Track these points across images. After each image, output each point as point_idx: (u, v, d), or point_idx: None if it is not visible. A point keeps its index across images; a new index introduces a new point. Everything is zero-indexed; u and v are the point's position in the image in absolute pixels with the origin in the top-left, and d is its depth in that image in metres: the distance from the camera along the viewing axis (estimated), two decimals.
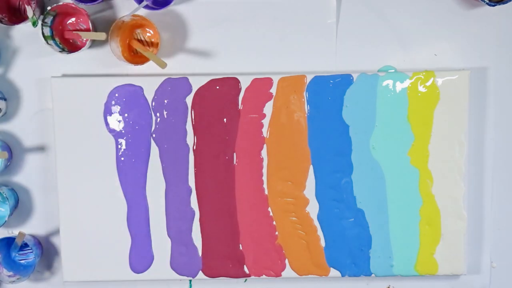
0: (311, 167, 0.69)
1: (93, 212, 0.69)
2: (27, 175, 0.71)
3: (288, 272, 0.70)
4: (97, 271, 0.70)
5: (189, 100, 0.68)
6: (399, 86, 0.68)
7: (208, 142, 0.69)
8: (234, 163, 0.69)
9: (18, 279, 0.68)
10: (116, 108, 0.68)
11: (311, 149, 0.68)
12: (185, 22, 0.69)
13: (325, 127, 0.68)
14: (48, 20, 0.65)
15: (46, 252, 0.72)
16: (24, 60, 0.70)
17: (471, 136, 0.69)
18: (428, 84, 0.67)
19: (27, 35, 0.69)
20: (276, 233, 0.69)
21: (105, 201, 0.69)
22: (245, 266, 0.70)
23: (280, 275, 0.70)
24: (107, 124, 0.69)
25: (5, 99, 0.70)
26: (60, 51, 0.66)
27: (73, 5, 0.65)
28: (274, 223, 0.69)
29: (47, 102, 0.70)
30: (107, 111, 0.68)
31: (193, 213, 0.69)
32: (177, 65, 0.69)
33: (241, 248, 0.70)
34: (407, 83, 0.68)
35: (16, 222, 0.71)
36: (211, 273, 0.70)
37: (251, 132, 0.69)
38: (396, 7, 0.68)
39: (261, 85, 0.68)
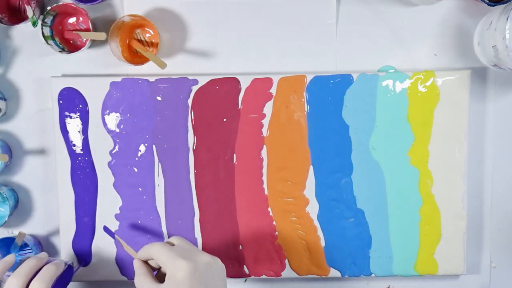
0: (311, 167, 0.69)
1: (93, 213, 0.69)
2: (27, 175, 0.71)
3: (288, 272, 0.70)
4: (97, 271, 0.70)
5: (189, 100, 0.68)
6: (399, 86, 0.68)
7: (208, 142, 0.69)
8: (234, 163, 0.69)
9: None
10: (115, 108, 0.68)
11: (311, 149, 0.68)
12: (185, 22, 0.69)
13: (325, 127, 0.68)
14: (48, 20, 0.65)
15: (46, 252, 0.72)
16: (24, 60, 0.70)
17: (471, 136, 0.69)
18: (428, 84, 0.67)
19: (27, 35, 0.69)
20: (276, 233, 0.69)
21: (105, 201, 0.69)
22: (245, 266, 0.70)
23: (280, 275, 0.70)
24: (106, 124, 0.69)
25: (5, 99, 0.70)
26: (60, 51, 0.66)
27: (73, 5, 0.65)
28: (274, 223, 0.69)
29: (47, 102, 0.70)
30: (107, 111, 0.69)
31: (193, 213, 0.69)
32: (177, 65, 0.69)
33: (241, 248, 0.70)
34: (407, 83, 0.68)
35: (16, 222, 0.71)
36: None
37: (251, 132, 0.69)
38: (396, 7, 0.68)
39: (261, 85, 0.68)
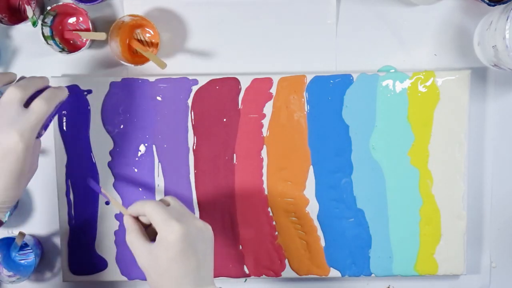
0: (311, 167, 0.69)
1: (93, 212, 0.69)
2: None
3: (288, 272, 0.70)
4: (97, 272, 0.70)
5: (189, 100, 0.68)
6: (399, 86, 0.68)
7: (208, 142, 0.69)
8: (234, 163, 0.69)
9: (18, 279, 0.68)
10: (115, 108, 0.68)
11: (311, 149, 0.68)
12: (185, 22, 0.69)
13: (325, 127, 0.68)
14: (48, 20, 0.65)
15: (46, 252, 0.72)
16: (24, 60, 0.70)
17: (471, 136, 0.69)
18: (428, 84, 0.67)
19: (27, 35, 0.69)
20: (276, 233, 0.69)
21: (105, 201, 0.69)
22: (245, 266, 0.70)
23: (280, 275, 0.70)
24: (106, 124, 0.69)
25: None
26: (60, 51, 0.66)
27: (73, 5, 0.65)
28: (274, 223, 0.69)
29: None
30: (107, 111, 0.68)
31: (193, 213, 0.69)
32: (177, 65, 0.69)
33: (241, 248, 0.70)
34: (407, 83, 0.68)
35: (16, 222, 0.71)
36: None
37: (251, 132, 0.69)
38: (396, 7, 0.68)
39: (261, 85, 0.68)
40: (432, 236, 0.69)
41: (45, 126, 0.59)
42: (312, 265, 0.69)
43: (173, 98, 0.68)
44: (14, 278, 0.68)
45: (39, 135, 0.58)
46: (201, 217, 0.69)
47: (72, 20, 0.69)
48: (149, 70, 0.68)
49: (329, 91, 0.68)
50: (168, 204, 0.57)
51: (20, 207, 0.71)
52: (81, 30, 0.69)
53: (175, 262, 0.53)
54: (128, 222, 0.57)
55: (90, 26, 0.66)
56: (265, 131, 0.69)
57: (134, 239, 0.56)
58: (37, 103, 0.56)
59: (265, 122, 0.68)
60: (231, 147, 0.69)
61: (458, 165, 0.68)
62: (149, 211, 0.55)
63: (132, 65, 0.66)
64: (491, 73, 0.69)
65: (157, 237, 0.54)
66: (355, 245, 0.69)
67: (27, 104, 0.56)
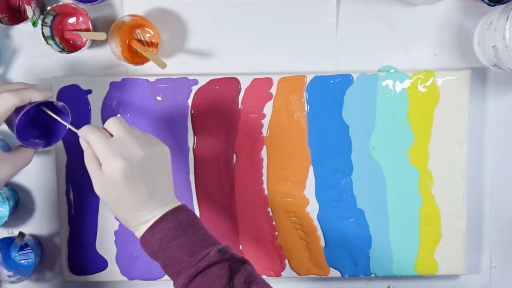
0: (311, 167, 0.69)
1: (94, 212, 0.69)
2: (27, 175, 0.71)
3: (288, 272, 0.70)
4: (97, 272, 0.70)
5: (189, 100, 0.68)
6: (399, 86, 0.68)
7: (208, 142, 0.69)
8: (234, 163, 0.69)
9: (18, 279, 0.68)
10: (116, 108, 0.68)
11: (311, 149, 0.68)
12: (185, 22, 0.69)
13: (325, 127, 0.68)
14: (48, 20, 0.65)
15: (46, 252, 0.72)
16: (24, 60, 0.70)
17: (471, 136, 0.69)
18: (428, 84, 0.67)
19: (27, 35, 0.69)
20: (276, 233, 0.69)
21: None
22: None
23: (280, 275, 0.70)
24: None
25: None
26: (60, 51, 0.66)
27: (73, 5, 0.65)
28: (274, 223, 0.69)
29: None
30: (107, 111, 0.68)
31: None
32: (177, 65, 0.69)
33: (241, 248, 0.70)
34: (407, 83, 0.68)
35: (16, 222, 0.71)
36: None
37: (251, 132, 0.69)
38: (396, 7, 0.68)
39: (261, 85, 0.68)
40: (432, 236, 0.69)
41: (13, 125, 0.56)
42: (312, 265, 0.69)
43: (173, 98, 0.68)
44: (14, 278, 0.68)
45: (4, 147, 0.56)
46: (201, 217, 0.69)
47: (72, 20, 0.69)
48: (149, 70, 0.68)
49: (329, 91, 0.68)
50: (111, 135, 0.55)
51: (20, 207, 0.71)
52: (81, 30, 0.69)
53: (123, 196, 0.53)
54: (83, 146, 0.56)
55: (90, 26, 0.66)
56: (265, 131, 0.69)
57: (89, 166, 0.55)
58: (4, 94, 0.55)
59: (265, 122, 0.68)
60: (231, 147, 0.69)
61: (458, 165, 0.68)
62: (92, 141, 0.54)
63: (132, 65, 0.66)
64: (491, 73, 0.69)
65: (102, 169, 0.53)
66: (355, 245, 0.69)
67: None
